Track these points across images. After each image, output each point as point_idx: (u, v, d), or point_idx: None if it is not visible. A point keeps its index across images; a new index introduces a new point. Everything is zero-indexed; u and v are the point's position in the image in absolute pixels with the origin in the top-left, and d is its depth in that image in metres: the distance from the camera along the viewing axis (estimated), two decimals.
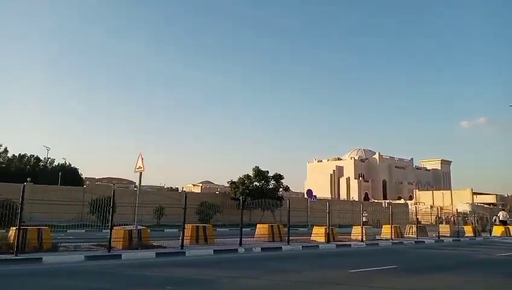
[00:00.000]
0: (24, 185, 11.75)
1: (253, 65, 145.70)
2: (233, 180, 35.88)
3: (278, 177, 36.21)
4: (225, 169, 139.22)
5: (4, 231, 13.26)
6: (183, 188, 76.58)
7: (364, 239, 19.43)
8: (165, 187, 73.75)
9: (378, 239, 21.13)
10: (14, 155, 44.19)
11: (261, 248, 15.12)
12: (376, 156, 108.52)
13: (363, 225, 20.37)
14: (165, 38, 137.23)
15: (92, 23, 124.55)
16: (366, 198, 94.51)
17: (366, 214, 27.04)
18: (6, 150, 43.48)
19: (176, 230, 21.93)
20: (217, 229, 18.13)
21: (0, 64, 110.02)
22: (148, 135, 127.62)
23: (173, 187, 72.10)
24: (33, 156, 45.40)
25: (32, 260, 10.48)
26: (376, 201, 72.72)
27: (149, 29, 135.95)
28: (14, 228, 11.56)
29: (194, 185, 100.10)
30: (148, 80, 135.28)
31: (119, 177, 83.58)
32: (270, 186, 35.94)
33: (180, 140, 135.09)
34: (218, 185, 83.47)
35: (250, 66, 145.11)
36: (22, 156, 44.48)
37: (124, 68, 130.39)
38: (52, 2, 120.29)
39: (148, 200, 24.25)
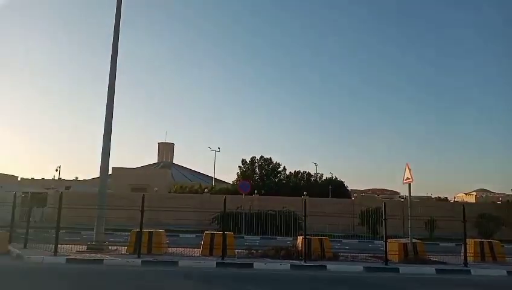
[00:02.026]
0: (304, 199, 13.32)
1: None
2: None
3: None
4: (501, 175, 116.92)
5: (292, 238, 15.42)
6: (454, 197, 69.66)
7: None
8: (433, 197, 68.83)
9: None
10: (290, 172, 51.41)
11: None
12: None
13: None
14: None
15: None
16: None
17: None
18: (284, 169, 51.23)
19: (452, 244, 19.94)
20: (504, 245, 15.40)
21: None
22: (408, 145, 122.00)
23: (441, 197, 66.46)
24: (305, 172, 51.55)
25: (318, 267, 11.62)
26: None
27: None
28: (301, 237, 13.17)
29: (466, 195, 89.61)
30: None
31: (382, 188, 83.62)
32: None
33: (449, 146, 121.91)
34: (498, 194, 71.57)
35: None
36: (296, 173, 51.18)
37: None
38: None
39: (416, 212, 23.09)
